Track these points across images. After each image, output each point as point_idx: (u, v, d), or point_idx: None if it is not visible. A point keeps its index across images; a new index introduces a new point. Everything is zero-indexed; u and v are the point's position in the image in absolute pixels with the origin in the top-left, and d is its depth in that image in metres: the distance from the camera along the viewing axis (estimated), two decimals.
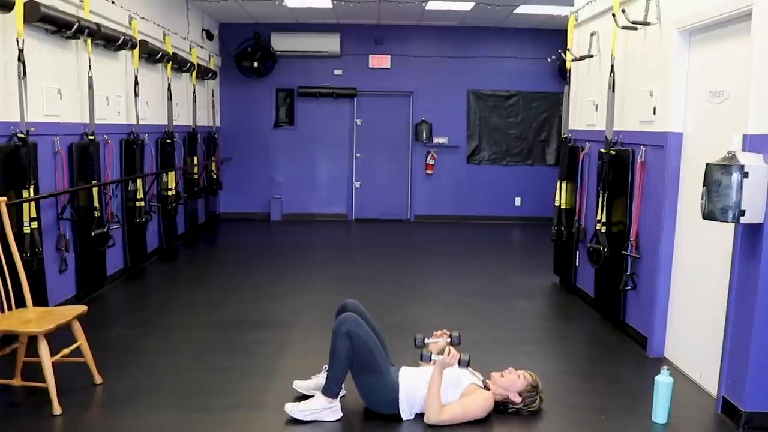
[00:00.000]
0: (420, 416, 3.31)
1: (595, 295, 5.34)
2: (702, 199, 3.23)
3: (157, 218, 7.25)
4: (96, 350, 3.70)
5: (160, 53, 6.81)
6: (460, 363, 3.25)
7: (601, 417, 3.45)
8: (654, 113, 4.38)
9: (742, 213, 3.10)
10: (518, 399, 3.36)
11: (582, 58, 5.62)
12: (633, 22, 4.51)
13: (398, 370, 3.39)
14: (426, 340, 3.36)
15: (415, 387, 3.30)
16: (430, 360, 3.25)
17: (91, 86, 5.26)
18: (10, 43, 4.19)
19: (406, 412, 3.30)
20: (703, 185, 3.22)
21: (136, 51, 6.29)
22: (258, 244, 8.64)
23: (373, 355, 3.26)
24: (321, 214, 10.57)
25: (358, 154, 10.57)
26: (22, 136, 4.25)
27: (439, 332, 3.44)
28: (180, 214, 8.10)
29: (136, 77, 6.35)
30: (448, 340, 3.39)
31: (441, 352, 3.29)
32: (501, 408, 3.39)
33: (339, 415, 3.29)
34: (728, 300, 3.41)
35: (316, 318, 4.99)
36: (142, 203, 6.46)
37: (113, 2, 5.85)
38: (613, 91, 4.84)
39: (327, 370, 3.33)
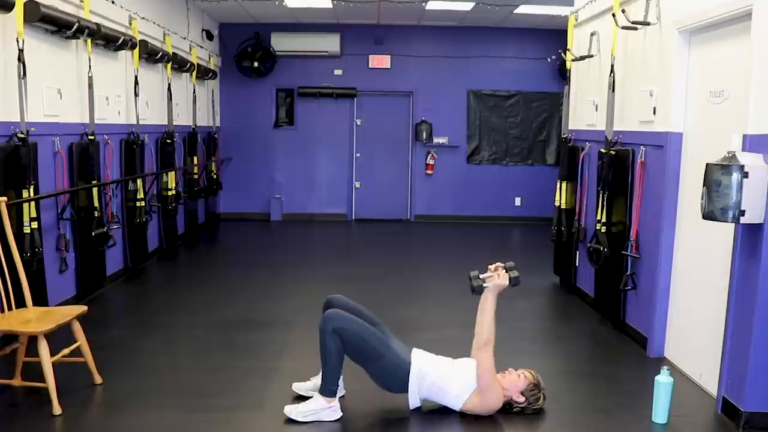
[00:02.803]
0: (422, 416, 3.30)
1: (595, 295, 5.34)
2: (702, 199, 3.23)
3: (157, 218, 7.25)
4: (96, 350, 3.70)
5: (160, 53, 6.81)
6: (510, 282, 3.32)
7: (601, 417, 3.45)
8: (654, 113, 4.38)
9: (742, 213, 3.10)
10: (522, 399, 3.36)
11: (582, 58, 5.62)
12: (633, 22, 4.50)
13: (410, 350, 3.40)
14: (481, 276, 3.37)
15: (426, 370, 3.31)
16: (482, 289, 3.31)
17: (91, 86, 5.26)
18: (10, 43, 4.19)
19: (415, 394, 3.31)
20: (703, 185, 3.22)
21: (136, 51, 6.29)
22: (258, 244, 8.64)
23: (367, 342, 3.26)
24: (321, 214, 10.57)
25: (358, 154, 10.57)
26: (22, 136, 4.25)
27: (493, 266, 3.42)
28: (180, 214, 8.10)
29: (136, 77, 6.35)
30: (503, 272, 3.38)
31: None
32: (506, 407, 3.39)
33: (339, 414, 3.29)
34: (728, 300, 3.40)
35: (316, 318, 4.92)
36: (142, 203, 6.46)
37: (113, 2, 5.85)
38: (613, 91, 4.84)
39: (321, 370, 3.33)
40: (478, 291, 3.34)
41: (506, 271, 3.38)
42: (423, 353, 3.42)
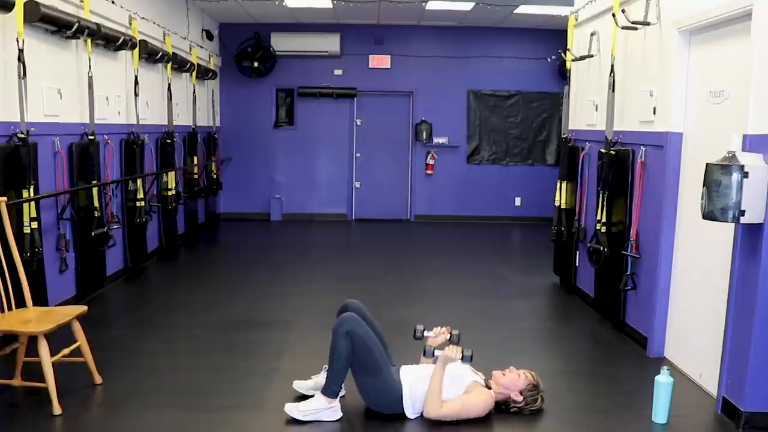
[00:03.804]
0: (421, 417, 3.30)
1: (595, 295, 5.34)
2: (702, 199, 3.23)
3: (157, 218, 7.25)
4: (96, 350, 3.70)
5: (160, 53, 6.81)
6: (462, 358, 3.27)
7: (601, 417, 3.45)
8: (654, 113, 4.38)
9: (742, 213, 3.10)
10: (520, 398, 3.36)
11: (582, 58, 5.62)
12: (633, 22, 4.51)
13: (398, 369, 3.40)
14: (426, 333, 3.40)
15: (416, 385, 3.31)
16: (433, 356, 3.30)
17: (91, 86, 5.26)
18: (10, 43, 4.19)
19: (410, 411, 3.31)
20: (703, 185, 3.22)
21: (136, 51, 6.29)
22: (258, 244, 8.64)
23: (372, 354, 3.26)
24: (321, 214, 10.57)
25: (358, 154, 10.57)
26: (22, 136, 4.25)
27: (439, 329, 3.49)
28: (180, 214, 8.10)
29: (136, 77, 6.35)
30: (448, 336, 3.42)
31: (441, 348, 3.32)
32: (503, 407, 3.39)
33: (339, 415, 3.29)
34: (728, 300, 3.41)
35: (316, 318, 4.99)
36: (142, 203, 6.46)
37: (113, 2, 5.85)
38: (613, 91, 4.84)
39: (327, 370, 3.34)
40: (428, 355, 3.37)
41: (450, 341, 3.37)
42: (410, 370, 3.40)
